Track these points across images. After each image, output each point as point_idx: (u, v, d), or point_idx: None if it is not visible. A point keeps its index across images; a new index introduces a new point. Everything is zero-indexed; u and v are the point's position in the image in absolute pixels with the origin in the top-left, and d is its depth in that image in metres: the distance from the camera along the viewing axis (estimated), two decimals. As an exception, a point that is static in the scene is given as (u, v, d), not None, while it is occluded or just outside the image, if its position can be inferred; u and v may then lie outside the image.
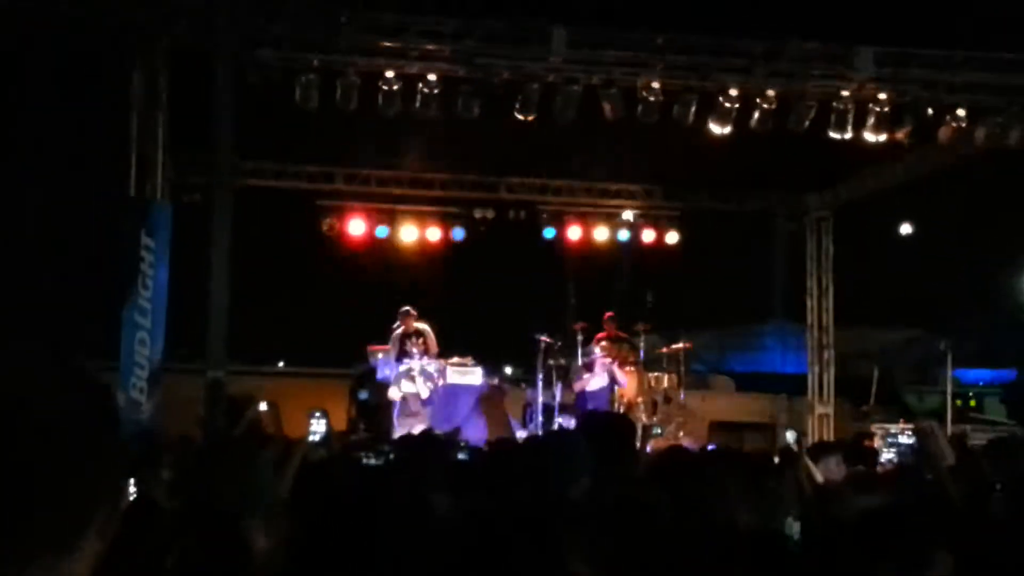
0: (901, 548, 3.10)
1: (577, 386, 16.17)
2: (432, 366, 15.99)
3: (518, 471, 4.56)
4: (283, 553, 3.12)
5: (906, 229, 20.94)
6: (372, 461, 8.46)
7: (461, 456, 7.94)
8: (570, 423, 15.71)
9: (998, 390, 22.51)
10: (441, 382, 15.85)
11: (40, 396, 1.24)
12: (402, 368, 15.69)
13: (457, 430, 13.54)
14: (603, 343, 16.90)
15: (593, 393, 15.88)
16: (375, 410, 15.37)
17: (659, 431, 16.23)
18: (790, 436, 8.76)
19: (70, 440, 1.24)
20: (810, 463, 6.80)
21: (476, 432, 14.89)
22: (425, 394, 15.51)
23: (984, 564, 3.53)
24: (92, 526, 1.28)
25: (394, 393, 15.52)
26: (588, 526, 2.88)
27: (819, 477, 6.71)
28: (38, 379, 1.26)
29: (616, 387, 16.34)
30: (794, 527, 4.59)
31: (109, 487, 1.31)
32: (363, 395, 15.77)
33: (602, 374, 16.03)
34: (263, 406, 12.71)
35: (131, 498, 5.09)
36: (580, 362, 16.45)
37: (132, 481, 5.18)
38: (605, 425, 5.07)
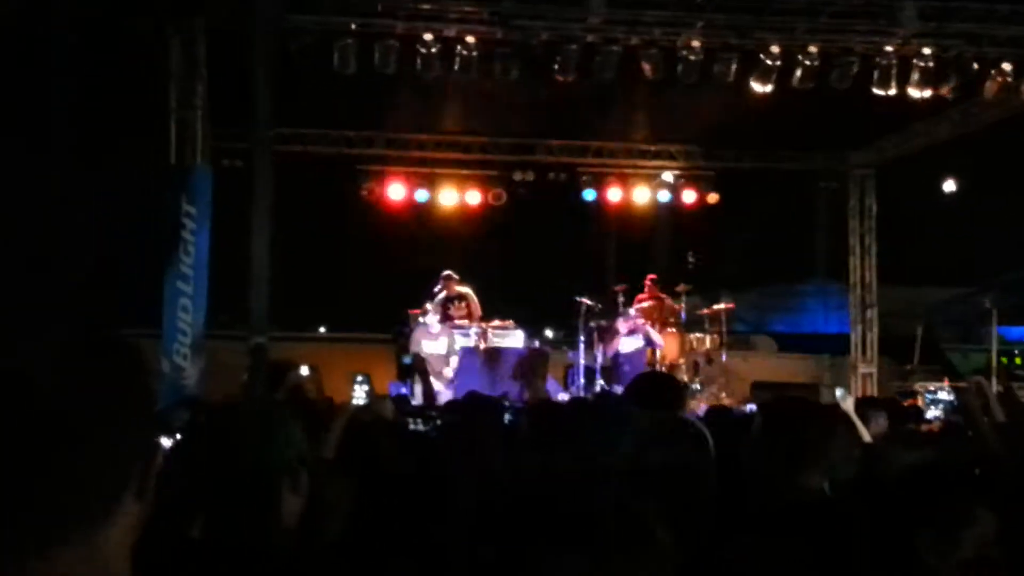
0: (942, 504, 3.06)
1: (609, 349, 16.11)
2: (472, 328, 16.01)
3: (565, 434, 4.54)
4: (336, 516, 3.11)
5: (950, 186, 20.65)
6: (420, 427, 8.49)
7: (507, 417, 7.94)
8: (613, 387, 15.71)
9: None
10: (483, 345, 15.85)
11: (65, 365, 1.23)
12: (418, 327, 15.67)
13: (504, 395, 13.58)
14: (640, 305, 16.85)
15: (628, 355, 15.80)
16: (420, 374, 15.36)
17: (698, 387, 16.17)
18: (839, 393, 8.68)
19: (98, 407, 1.23)
20: (858, 422, 6.75)
21: (516, 394, 14.92)
22: (443, 351, 15.46)
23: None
24: (127, 490, 1.27)
25: (417, 348, 15.48)
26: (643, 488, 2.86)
27: (867, 436, 6.66)
28: (63, 349, 1.25)
29: (655, 349, 16.27)
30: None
31: (141, 450, 1.30)
32: (407, 359, 15.77)
33: (636, 336, 15.93)
34: (304, 370, 12.79)
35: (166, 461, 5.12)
36: (615, 323, 16.37)
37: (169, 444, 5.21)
38: (654, 387, 5.03)
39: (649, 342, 16.02)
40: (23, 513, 1.20)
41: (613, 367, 15.96)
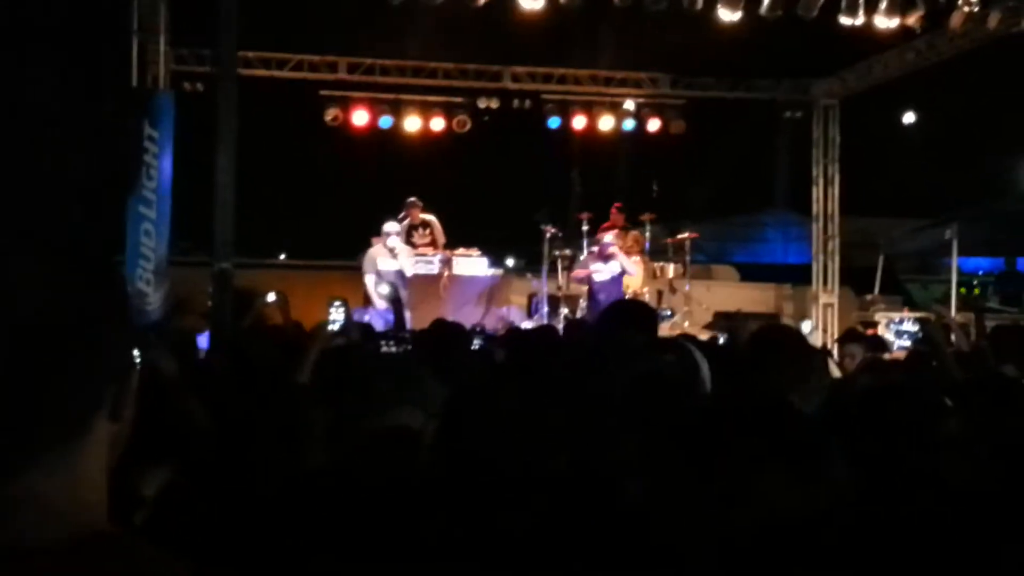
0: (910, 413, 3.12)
1: (580, 273, 16.04)
2: (436, 256, 16.00)
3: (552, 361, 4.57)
4: (315, 442, 3.12)
5: (911, 118, 20.75)
6: (393, 349, 8.52)
7: (477, 343, 7.99)
8: (577, 315, 15.77)
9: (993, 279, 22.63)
10: (447, 272, 15.85)
11: (39, 281, 1.22)
12: (376, 247, 15.65)
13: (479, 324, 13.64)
14: (613, 232, 16.87)
15: (603, 283, 15.74)
16: (392, 301, 15.36)
17: (668, 314, 16.22)
18: (806, 327, 8.76)
19: (72, 324, 1.22)
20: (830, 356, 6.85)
21: (486, 321, 14.99)
22: (397, 267, 15.44)
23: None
24: (102, 407, 1.27)
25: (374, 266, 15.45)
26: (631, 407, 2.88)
27: (836, 372, 6.75)
28: (36, 266, 1.23)
29: (624, 276, 16.27)
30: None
31: (116, 367, 1.29)
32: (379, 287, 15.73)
33: (612, 263, 15.86)
34: (271, 297, 12.78)
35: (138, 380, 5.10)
36: (589, 251, 16.35)
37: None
38: (630, 313, 5.05)
39: (623, 270, 15.97)
40: None
41: (589, 295, 15.90)
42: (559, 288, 16.46)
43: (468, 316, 14.97)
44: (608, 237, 16.20)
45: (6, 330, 1.19)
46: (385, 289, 15.32)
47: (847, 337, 8.04)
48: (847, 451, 2.89)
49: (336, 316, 12.58)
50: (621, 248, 16.28)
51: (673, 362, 3.65)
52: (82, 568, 1.20)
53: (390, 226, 15.71)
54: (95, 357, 1.25)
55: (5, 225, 1.27)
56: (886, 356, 8.45)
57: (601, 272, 15.77)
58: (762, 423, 2.06)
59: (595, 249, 16.17)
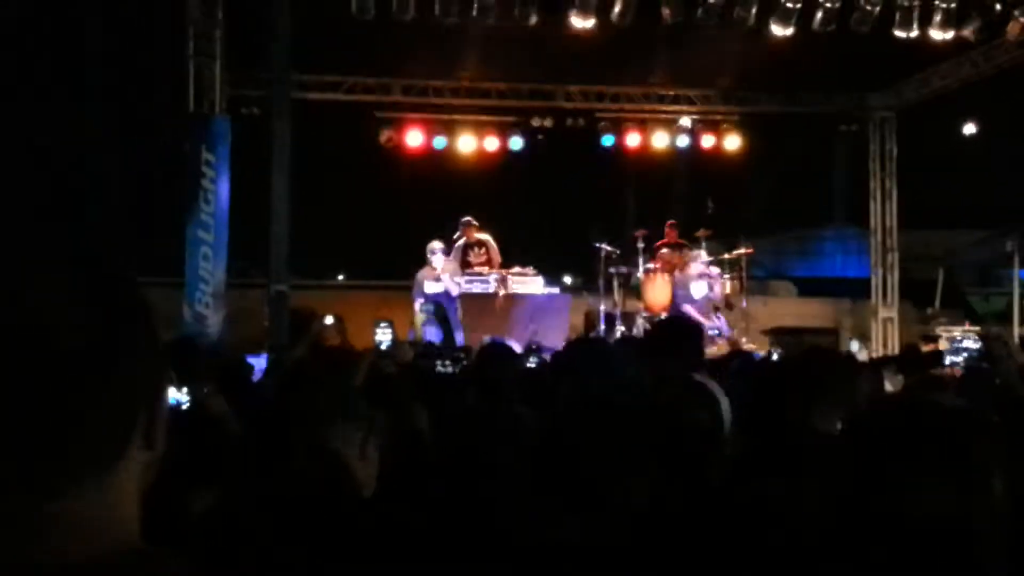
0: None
1: (674, 279, 15.94)
2: (492, 275, 16.01)
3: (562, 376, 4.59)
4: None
5: (970, 129, 20.50)
6: (448, 368, 8.53)
7: (532, 362, 7.99)
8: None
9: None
10: (503, 292, 15.86)
11: (60, 306, 1.24)
12: (424, 268, 15.64)
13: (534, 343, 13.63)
14: (661, 251, 16.82)
15: (697, 302, 15.62)
16: (439, 320, 15.40)
17: (716, 332, 16.09)
18: (855, 345, 8.68)
19: (99, 349, 1.24)
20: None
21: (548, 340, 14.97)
22: (449, 288, 15.42)
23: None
24: (134, 432, 1.29)
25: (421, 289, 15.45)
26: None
27: (889, 386, 6.68)
28: (70, 291, 1.25)
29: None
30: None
31: (146, 394, 1.31)
32: (427, 307, 15.77)
33: (702, 282, 15.76)
34: (329, 320, 12.87)
35: (185, 408, 5.17)
36: (688, 262, 16.25)
37: (186, 391, 5.25)
38: (674, 334, 5.04)
39: (711, 291, 15.89)
40: (34, 457, 1.21)
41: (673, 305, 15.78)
42: (615, 306, 16.42)
43: (525, 334, 14.99)
44: (702, 253, 16.11)
45: (39, 355, 1.21)
46: (430, 308, 15.35)
47: (875, 365, 7.93)
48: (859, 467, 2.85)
49: (383, 337, 12.66)
50: (677, 264, 16.25)
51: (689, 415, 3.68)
52: None
53: (434, 246, 15.71)
54: (124, 383, 1.27)
55: (39, 251, 1.30)
56: (944, 372, 8.37)
57: (696, 289, 15.62)
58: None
59: (693, 263, 15.99)
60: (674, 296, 15.88)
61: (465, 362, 9.34)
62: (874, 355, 16.26)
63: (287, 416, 2.84)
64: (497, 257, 16.46)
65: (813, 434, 3.51)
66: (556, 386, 4.45)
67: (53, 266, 1.28)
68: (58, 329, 1.22)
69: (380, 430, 2.84)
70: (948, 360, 12.55)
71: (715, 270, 16.14)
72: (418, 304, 15.52)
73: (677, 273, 16.28)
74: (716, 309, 16.53)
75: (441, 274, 15.42)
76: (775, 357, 10.93)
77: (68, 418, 1.22)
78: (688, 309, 15.38)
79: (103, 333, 1.25)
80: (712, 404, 3.85)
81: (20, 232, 1.31)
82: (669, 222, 17.65)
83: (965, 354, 13.27)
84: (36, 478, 1.22)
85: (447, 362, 9.92)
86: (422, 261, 15.85)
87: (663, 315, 15.38)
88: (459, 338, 14.88)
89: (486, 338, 13.40)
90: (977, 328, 15.20)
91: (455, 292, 15.47)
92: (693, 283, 15.69)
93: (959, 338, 14.90)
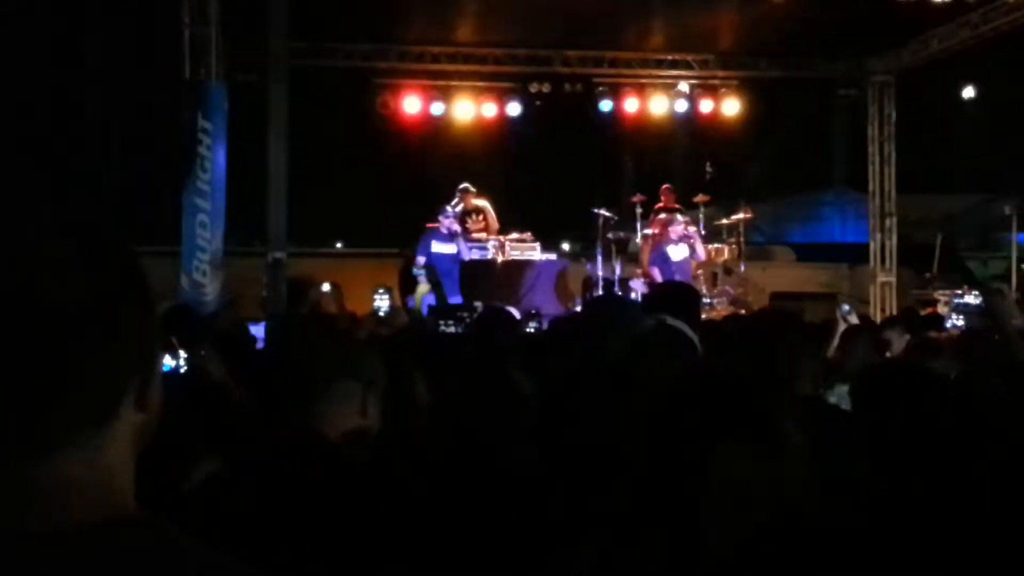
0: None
1: (653, 248, 15.81)
2: (490, 241, 15.99)
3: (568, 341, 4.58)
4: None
5: (969, 93, 20.44)
6: (452, 328, 8.55)
7: (530, 328, 8.00)
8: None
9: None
10: (501, 257, 15.85)
11: (55, 270, 1.23)
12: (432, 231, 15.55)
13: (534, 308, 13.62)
14: (661, 215, 16.78)
15: (679, 263, 15.51)
16: (433, 285, 15.37)
17: (710, 301, 16.00)
18: (845, 308, 8.65)
19: (91, 310, 1.24)
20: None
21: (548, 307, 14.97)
22: (454, 250, 15.34)
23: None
24: (127, 395, 1.28)
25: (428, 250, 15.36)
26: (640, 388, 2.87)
27: (898, 346, 6.67)
28: (53, 255, 1.25)
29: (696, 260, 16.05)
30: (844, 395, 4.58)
31: (139, 356, 1.31)
32: (417, 271, 15.69)
33: (683, 244, 15.67)
34: (325, 287, 12.88)
35: (184, 371, 5.17)
36: (666, 226, 16.09)
37: (183, 355, 5.26)
38: (671, 293, 5.04)
39: (693, 252, 15.81)
40: (24, 417, 1.21)
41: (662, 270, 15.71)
42: (613, 272, 16.40)
43: (524, 300, 15.00)
44: (680, 216, 16.00)
45: (28, 316, 1.21)
46: (422, 273, 15.28)
47: (886, 323, 7.93)
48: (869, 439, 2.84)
49: (381, 303, 12.65)
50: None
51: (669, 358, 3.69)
52: (111, 550, 1.22)
53: (447, 211, 15.65)
54: (117, 345, 1.27)
55: (33, 213, 1.29)
56: (943, 335, 8.34)
57: (675, 252, 15.52)
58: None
59: (672, 226, 15.85)
60: (650, 262, 15.74)
61: (468, 320, 9.37)
62: (873, 319, 16.29)
63: (281, 378, 2.83)
64: (495, 223, 16.44)
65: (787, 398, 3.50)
66: (568, 347, 4.45)
67: (50, 232, 1.28)
68: (52, 292, 1.22)
69: (381, 388, 2.83)
70: (950, 323, 12.53)
71: (692, 229, 15.96)
72: (421, 260, 15.35)
73: (655, 239, 16.14)
74: (728, 272, 16.51)
75: (457, 237, 15.34)
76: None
77: (57, 377, 1.22)
78: (655, 272, 15.23)
79: (97, 297, 1.25)
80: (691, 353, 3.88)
81: (19, 199, 1.30)
82: (664, 186, 17.58)
83: (965, 313, 13.26)
84: (23, 435, 1.21)
85: (450, 321, 9.94)
86: (418, 227, 15.80)
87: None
88: (455, 301, 14.86)
89: (477, 305, 13.44)
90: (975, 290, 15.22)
91: (466, 256, 15.43)
92: (671, 246, 15.56)
93: (960, 294, 14.91)
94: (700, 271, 16.63)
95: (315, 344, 2.89)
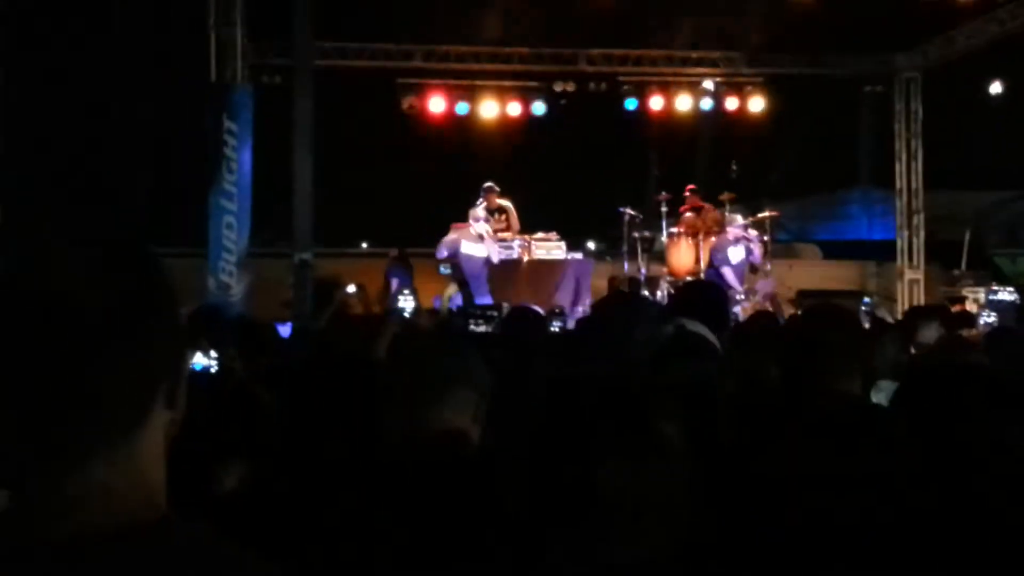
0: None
1: (712, 248, 15.77)
2: (515, 241, 15.96)
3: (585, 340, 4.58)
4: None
5: (996, 88, 20.31)
6: (481, 328, 8.55)
7: (555, 327, 8.00)
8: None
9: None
10: (526, 257, 15.83)
11: (81, 280, 1.23)
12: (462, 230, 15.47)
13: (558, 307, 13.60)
14: (688, 214, 16.72)
15: (736, 266, 15.50)
16: (458, 283, 15.36)
17: (741, 298, 15.96)
18: (866, 301, 8.59)
19: (116, 316, 1.24)
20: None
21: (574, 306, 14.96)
22: (483, 254, 15.28)
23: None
24: (156, 402, 1.29)
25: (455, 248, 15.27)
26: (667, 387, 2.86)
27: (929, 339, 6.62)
28: (79, 264, 1.25)
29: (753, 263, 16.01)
30: (883, 393, 4.53)
31: (167, 360, 1.31)
32: (444, 270, 15.69)
33: (739, 246, 15.62)
34: (351, 288, 12.89)
35: (212, 371, 5.19)
36: (725, 228, 16.03)
37: (213, 355, 5.27)
38: (697, 293, 5.03)
39: (750, 253, 15.77)
40: (56, 427, 1.21)
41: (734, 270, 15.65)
42: (639, 271, 16.37)
43: (549, 300, 14.97)
44: (739, 218, 15.91)
45: (58, 326, 1.21)
46: (448, 270, 15.26)
47: (915, 316, 7.84)
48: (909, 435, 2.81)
49: (404, 304, 12.61)
50: (700, 229, 16.18)
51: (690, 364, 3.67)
52: (148, 553, 1.23)
53: (479, 214, 15.60)
54: (146, 352, 1.27)
55: (59, 221, 1.30)
56: (973, 332, 8.29)
57: (733, 254, 15.50)
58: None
59: (730, 228, 15.80)
60: (712, 260, 15.73)
61: (496, 321, 9.37)
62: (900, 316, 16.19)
63: (387, 388, 2.82)
64: (516, 223, 16.41)
65: (833, 397, 3.47)
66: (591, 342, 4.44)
67: (76, 240, 1.28)
68: (80, 301, 1.22)
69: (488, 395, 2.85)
70: (982, 320, 12.42)
71: (753, 232, 15.97)
72: (443, 254, 15.29)
73: (714, 238, 16.14)
74: (754, 271, 16.43)
75: (487, 238, 15.29)
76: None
77: (88, 385, 1.22)
78: (726, 272, 15.28)
79: (124, 305, 1.25)
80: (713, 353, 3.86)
81: (45, 205, 1.31)
82: (688, 187, 17.51)
83: (999, 310, 13.13)
84: (56, 445, 1.22)
85: (479, 321, 9.93)
86: (444, 227, 15.77)
87: (688, 279, 15.35)
88: (484, 302, 14.85)
89: (505, 304, 13.41)
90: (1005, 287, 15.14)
91: (496, 259, 15.39)
92: (731, 247, 15.55)
93: (996, 290, 14.79)
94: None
95: (431, 351, 2.90)
